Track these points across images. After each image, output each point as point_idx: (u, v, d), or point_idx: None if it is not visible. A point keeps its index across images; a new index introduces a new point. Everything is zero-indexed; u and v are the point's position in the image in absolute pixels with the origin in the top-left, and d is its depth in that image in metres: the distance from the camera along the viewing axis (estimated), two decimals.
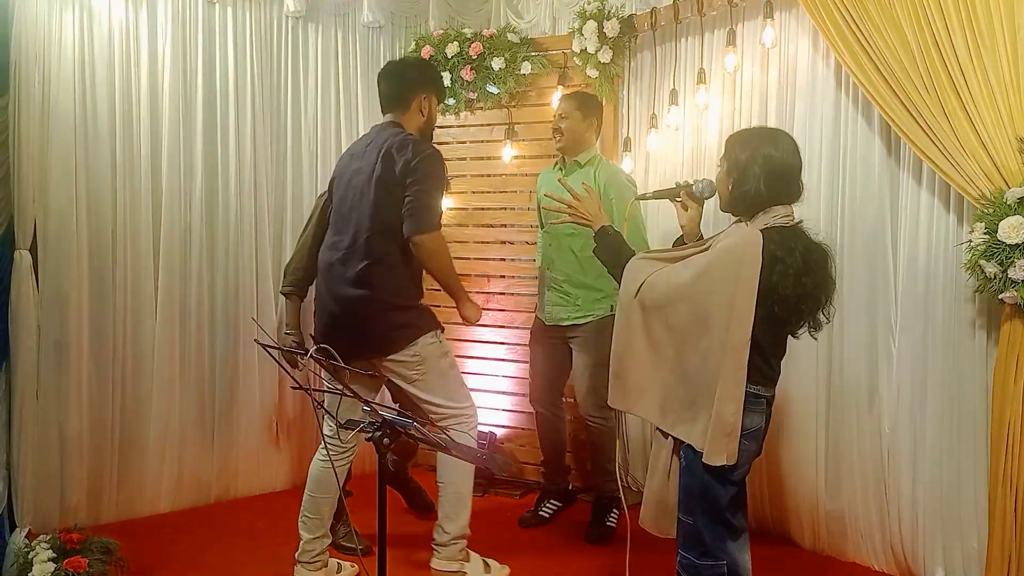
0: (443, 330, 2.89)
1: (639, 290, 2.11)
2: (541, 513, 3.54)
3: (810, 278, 2.00)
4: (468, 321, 2.94)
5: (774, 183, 2.03)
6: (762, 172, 2.02)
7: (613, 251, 2.27)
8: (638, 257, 2.20)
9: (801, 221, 2.11)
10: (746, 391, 2.01)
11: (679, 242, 2.34)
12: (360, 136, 2.93)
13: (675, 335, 2.06)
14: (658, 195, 2.41)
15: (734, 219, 2.16)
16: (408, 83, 2.84)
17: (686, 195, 2.28)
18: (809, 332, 2.13)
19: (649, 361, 2.11)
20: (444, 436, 1.93)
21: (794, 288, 1.97)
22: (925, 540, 2.89)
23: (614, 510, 3.41)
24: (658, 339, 2.10)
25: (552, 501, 3.58)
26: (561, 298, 3.35)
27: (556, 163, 3.50)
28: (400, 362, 2.76)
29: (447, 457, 2.73)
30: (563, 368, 3.49)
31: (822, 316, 2.10)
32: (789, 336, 2.14)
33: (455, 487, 2.80)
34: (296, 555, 2.90)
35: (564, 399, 3.61)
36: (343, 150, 4.08)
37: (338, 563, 3.01)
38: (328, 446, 2.82)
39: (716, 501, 2.06)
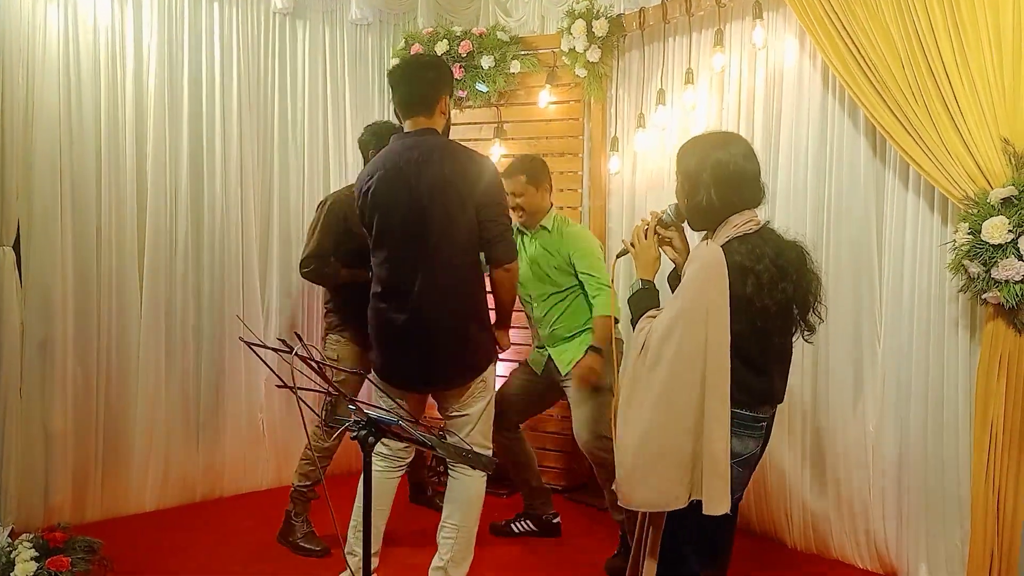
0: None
1: (640, 351, 1.95)
2: (512, 526, 3.43)
3: (788, 282, 1.90)
4: (502, 347, 2.80)
5: (725, 191, 1.92)
6: (712, 180, 1.92)
7: (639, 305, 2.07)
8: (645, 317, 2.03)
9: (767, 222, 2.00)
10: (741, 414, 1.91)
11: (673, 276, 2.19)
12: (385, 149, 2.67)
13: (677, 392, 1.88)
14: (621, 254, 2.26)
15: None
16: (432, 84, 2.62)
17: (661, 227, 2.13)
18: (803, 337, 2.03)
19: (661, 435, 1.90)
20: (430, 436, 1.92)
21: (771, 296, 1.87)
22: (909, 538, 2.91)
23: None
24: (666, 403, 1.90)
25: (527, 522, 3.44)
26: (567, 349, 3.21)
27: (515, 230, 3.23)
28: (466, 387, 2.63)
29: (459, 500, 2.66)
30: (538, 402, 3.41)
31: (813, 317, 2.00)
32: (785, 346, 2.03)
33: (467, 530, 2.66)
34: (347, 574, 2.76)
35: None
36: (330, 148, 4.11)
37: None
38: (386, 456, 2.71)
39: (703, 528, 1.94)
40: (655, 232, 2.12)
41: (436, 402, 2.72)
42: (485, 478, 2.71)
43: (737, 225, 1.93)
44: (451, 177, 2.51)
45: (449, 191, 2.51)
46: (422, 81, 2.62)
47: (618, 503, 2.02)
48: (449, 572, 2.64)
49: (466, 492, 2.67)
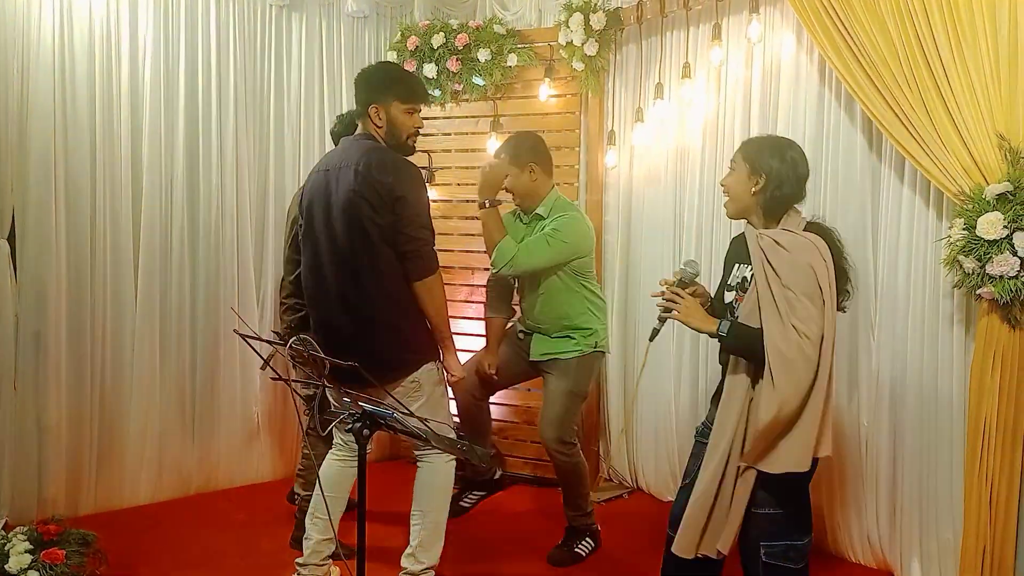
0: (441, 360, 2.72)
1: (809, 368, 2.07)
2: (463, 504, 3.37)
3: (843, 259, 2.21)
4: (451, 372, 2.73)
5: (800, 186, 2.22)
6: (793, 176, 2.20)
7: (744, 340, 2.14)
8: (767, 341, 2.07)
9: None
10: None
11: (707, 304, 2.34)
12: (332, 149, 2.77)
13: (822, 368, 2.08)
14: (663, 320, 2.28)
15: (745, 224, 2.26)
16: (361, 90, 2.66)
17: (682, 287, 2.25)
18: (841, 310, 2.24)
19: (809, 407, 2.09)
20: (424, 427, 1.92)
21: (840, 270, 2.17)
22: (901, 532, 2.92)
23: (587, 540, 3.19)
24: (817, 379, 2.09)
25: (475, 492, 3.37)
26: (547, 340, 3.16)
27: (514, 210, 3.24)
28: (397, 388, 2.61)
29: (425, 486, 2.70)
30: (513, 375, 3.34)
31: (843, 299, 2.22)
32: None
33: (434, 516, 2.70)
34: (301, 559, 2.76)
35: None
36: (326, 141, 4.08)
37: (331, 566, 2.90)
38: (344, 447, 2.76)
39: (806, 482, 2.16)
40: (676, 293, 2.25)
41: None
42: (453, 465, 2.74)
43: (801, 214, 2.24)
44: (365, 187, 2.50)
45: (362, 200, 2.50)
46: (357, 87, 2.68)
47: (762, 468, 2.09)
48: (418, 557, 2.67)
49: (433, 479, 2.72)
